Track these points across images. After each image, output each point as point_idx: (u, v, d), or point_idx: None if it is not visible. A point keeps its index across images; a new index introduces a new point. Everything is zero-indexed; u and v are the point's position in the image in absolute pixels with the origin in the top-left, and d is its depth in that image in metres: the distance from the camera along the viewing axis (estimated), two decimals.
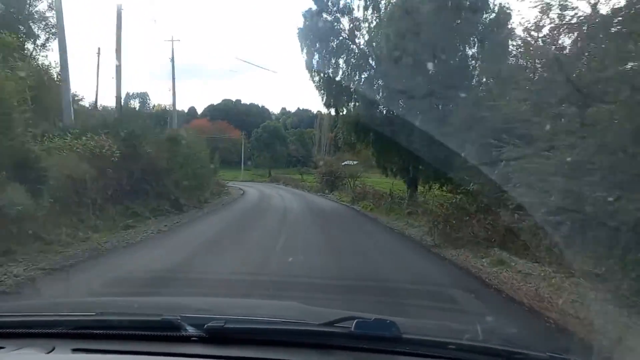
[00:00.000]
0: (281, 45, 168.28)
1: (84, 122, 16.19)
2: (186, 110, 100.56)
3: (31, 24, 23.93)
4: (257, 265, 8.36)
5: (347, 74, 19.68)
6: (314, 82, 21.10)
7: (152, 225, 13.35)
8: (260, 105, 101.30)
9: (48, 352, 1.50)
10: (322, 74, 20.63)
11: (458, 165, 10.86)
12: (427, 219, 13.83)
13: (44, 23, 24.23)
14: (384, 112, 18.70)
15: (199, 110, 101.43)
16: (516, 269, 8.39)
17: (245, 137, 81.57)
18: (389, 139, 17.83)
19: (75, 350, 1.53)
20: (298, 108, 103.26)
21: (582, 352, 3.46)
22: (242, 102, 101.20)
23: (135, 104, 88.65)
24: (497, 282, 7.87)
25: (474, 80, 16.02)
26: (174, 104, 36.57)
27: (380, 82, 18.34)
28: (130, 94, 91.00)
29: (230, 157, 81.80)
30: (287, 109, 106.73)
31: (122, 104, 22.96)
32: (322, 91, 21.25)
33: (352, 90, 20.05)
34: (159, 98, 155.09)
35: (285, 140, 76.91)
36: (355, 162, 38.94)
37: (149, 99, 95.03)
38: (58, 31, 15.96)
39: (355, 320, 1.57)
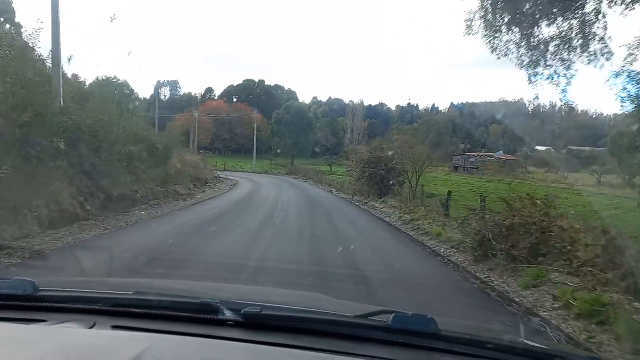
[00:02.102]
0: (314, 33, 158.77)
1: None
2: (202, 92, 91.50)
3: None
4: None
5: None
6: None
7: None
8: (285, 87, 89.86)
9: (89, 328, 1.52)
10: None
11: None
12: None
13: None
14: None
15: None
16: None
17: (262, 119, 70.53)
18: None
19: (114, 327, 1.54)
20: (329, 97, 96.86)
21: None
22: (265, 83, 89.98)
23: (166, 91, 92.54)
24: None
25: None
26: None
27: None
28: (161, 81, 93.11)
29: (249, 144, 71.01)
30: (318, 98, 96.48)
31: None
32: None
33: None
34: (190, 87, 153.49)
35: (312, 125, 64.69)
36: (390, 153, 27.67)
37: (179, 87, 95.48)
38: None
39: (393, 314, 1.55)
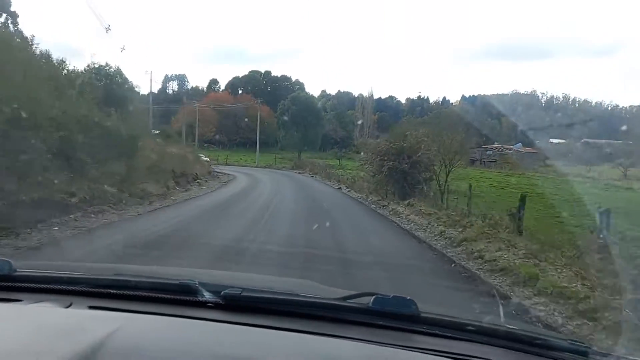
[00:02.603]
0: (323, 25, 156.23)
1: None
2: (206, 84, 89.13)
3: None
4: None
5: None
6: None
7: None
8: (293, 78, 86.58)
9: (66, 307, 1.50)
10: None
11: None
12: None
13: None
14: None
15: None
16: None
17: (268, 112, 67.33)
18: None
19: (92, 307, 1.52)
20: (338, 90, 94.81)
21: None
22: (271, 74, 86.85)
23: (174, 85, 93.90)
24: None
25: None
26: None
27: None
28: (169, 75, 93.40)
29: (254, 138, 68.09)
30: (327, 92, 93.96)
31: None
32: None
33: None
34: (198, 81, 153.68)
35: (320, 117, 61.49)
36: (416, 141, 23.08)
37: (187, 81, 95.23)
38: None
39: (374, 296, 1.51)
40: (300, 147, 56.32)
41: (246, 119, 67.36)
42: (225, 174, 29.99)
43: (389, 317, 1.49)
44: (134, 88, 47.82)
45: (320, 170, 36.68)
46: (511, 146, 62.40)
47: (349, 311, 1.53)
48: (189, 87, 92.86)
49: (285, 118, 56.71)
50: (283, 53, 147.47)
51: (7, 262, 1.66)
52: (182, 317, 1.43)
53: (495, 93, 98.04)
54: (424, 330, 1.48)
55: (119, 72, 47.82)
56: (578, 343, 1.52)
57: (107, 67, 47.62)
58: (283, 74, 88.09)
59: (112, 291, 1.61)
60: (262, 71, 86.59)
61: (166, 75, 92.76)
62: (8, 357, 1.10)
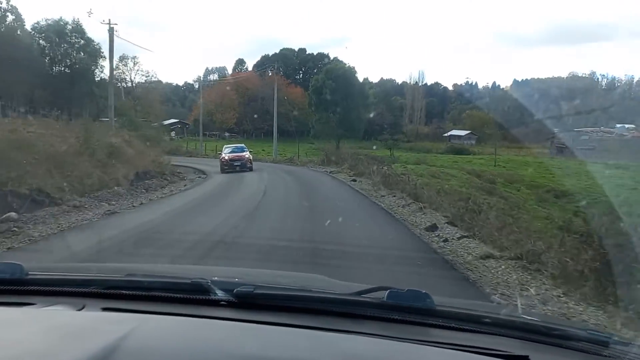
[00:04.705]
0: (365, 13, 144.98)
1: None
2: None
3: None
4: None
5: None
6: None
7: None
8: (331, 55, 74.15)
9: (78, 310, 1.49)
10: None
11: None
12: None
13: None
14: None
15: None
16: None
17: (301, 95, 55.40)
18: None
19: (105, 309, 1.51)
20: (381, 78, 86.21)
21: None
22: (306, 52, 75.07)
23: (215, 77, 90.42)
24: None
25: None
26: None
27: None
28: (210, 68, 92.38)
29: (286, 126, 56.74)
30: (370, 79, 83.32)
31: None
32: None
33: None
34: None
35: (363, 95, 48.66)
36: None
37: (227, 73, 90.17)
38: None
39: (388, 291, 1.50)
40: (339, 134, 43.44)
41: (278, 106, 56.10)
42: (200, 176, 21.14)
43: (404, 311, 1.47)
44: (93, 41, 36.52)
45: (367, 165, 21.54)
46: (611, 129, 48.95)
47: (364, 306, 1.51)
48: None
49: (319, 97, 44.41)
50: (323, 43, 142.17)
51: (19, 265, 1.66)
52: (195, 317, 1.42)
53: (550, 76, 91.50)
54: (439, 323, 1.46)
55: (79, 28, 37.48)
56: (597, 333, 1.49)
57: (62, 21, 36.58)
58: (319, 51, 76.05)
59: (124, 292, 1.61)
60: (296, 49, 75.06)
61: (207, 68, 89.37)
62: None
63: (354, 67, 46.48)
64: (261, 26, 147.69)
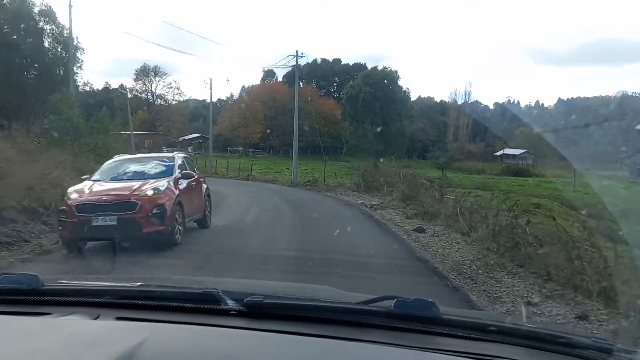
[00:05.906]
0: (403, 31, 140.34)
1: None
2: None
3: None
4: None
5: None
6: None
7: None
8: (369, 66, 67.78)
9: (93, 319, 1.53)
10: None
11: None
12: None
13: None
14: None
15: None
16: None
17: (334, 106, 48.85)
18: None
19: (119, 318, 1.55)
20: (419, 96, 79.76)
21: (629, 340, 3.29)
22: (342, 63, 69.05)
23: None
24: None
25: None
26: None
27: None
28: (246, 87, 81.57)
29: (316, 142, 50.23)
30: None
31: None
32: None
33: None
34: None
35: (406, 105, 41.30)
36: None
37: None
38: None
39: (395, 300, 1.52)
40: (378, 150, 36.21)
41: (309, 120, 49.64)
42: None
43: (411, 320, 1.50)
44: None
45: (433, 197, 13.30)
46: None
47: (371, 315, 1.54)
48: None
49: (354, 106, 37.56)
50: (360, 60, 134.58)
51: (35, 276, 1.67)
52: (207, 326, 1.45)
53: (597, 95, 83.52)
54: (446, 332, 1.49)
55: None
56: (602, 340, 1.50)
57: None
58: (355, 61, 69.76)
59: (138, 302, 1.64)
60: (330, 59, 69.19)
61: (243, 86, 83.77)
62: None
63: (396, 71, 39.20)
64: (296, 43, 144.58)
